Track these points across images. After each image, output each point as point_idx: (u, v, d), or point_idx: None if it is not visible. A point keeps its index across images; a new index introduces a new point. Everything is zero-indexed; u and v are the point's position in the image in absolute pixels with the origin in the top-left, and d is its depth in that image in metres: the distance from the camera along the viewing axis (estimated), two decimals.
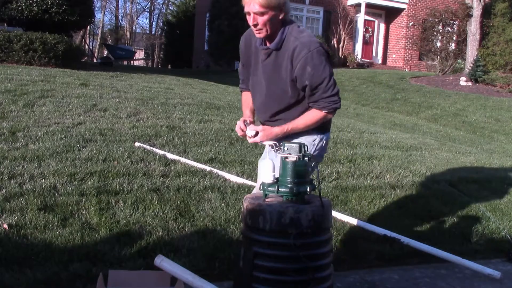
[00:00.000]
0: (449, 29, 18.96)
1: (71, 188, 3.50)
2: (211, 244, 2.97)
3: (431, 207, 4.20)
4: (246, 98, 2.55)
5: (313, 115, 2.27)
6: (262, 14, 2.15)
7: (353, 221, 3.54)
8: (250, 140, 2.29)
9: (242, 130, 2.33)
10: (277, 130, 2.26)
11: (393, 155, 5.73)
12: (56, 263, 2.58)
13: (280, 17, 2.20)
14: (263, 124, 2.38)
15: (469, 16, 16.51)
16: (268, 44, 2.26)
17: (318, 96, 2.22)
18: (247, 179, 4.16)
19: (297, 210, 1.96)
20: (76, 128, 4.94)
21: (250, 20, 2.20)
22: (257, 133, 2.26)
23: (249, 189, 3.91)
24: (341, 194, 4.20)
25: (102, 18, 39.73)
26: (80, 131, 4.85)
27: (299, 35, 2.22)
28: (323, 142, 2.39)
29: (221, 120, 6.12)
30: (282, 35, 2.22)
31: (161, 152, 4.54)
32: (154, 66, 37.29)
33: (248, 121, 2.39)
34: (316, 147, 2.35)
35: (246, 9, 2.18)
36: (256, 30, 2.20)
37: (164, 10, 42.55)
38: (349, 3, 20.80)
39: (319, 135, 2.36)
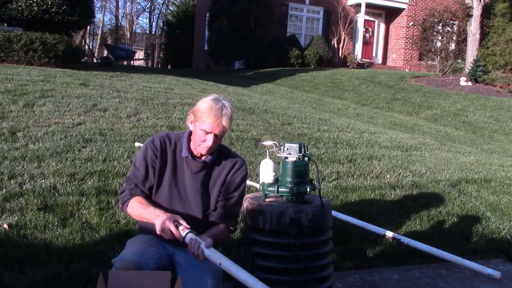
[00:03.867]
0: (449, 29, 18.96)
1: (71, 188, 3.50)
2: None
3: (431, 207, 4.20)
4: (143, 199, 2.13)
5: (227, 233, 2.21)
6: (221, 136, 2.11)
7: (353, 221, 3.53)
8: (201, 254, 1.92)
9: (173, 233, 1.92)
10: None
11: (393, 155, 5.73)
12: (56, 263, 2.58)
13: None
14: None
15: (469, 16, 16.51)
16: (202, 157, 2.17)
17: (235, 212, 2.19)
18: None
19: (297, 210, 1.96)
20: (76, 128, 4.93)
21: (208, 139, 2.06)
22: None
23: (249, 189, 3.91)
24: (341, 194, 4.20)
25: (102, 18, 39.74)
26: (80, 131, 4.85)
27: (230, 151, 2.26)
28: None
29: None
30: (216, 151, 2.20)
31: None
32: (154, 66, 37.27)
33: (179, 221, 1.96)
34: None
35: (208, 129, 2.04)
36: (207, 149, 2.09)
37: (164, 10, 42.59)
38: (349, 3, 20.80)
39: None
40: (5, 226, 2.90)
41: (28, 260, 2.59)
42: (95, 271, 2.51)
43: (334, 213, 3.53)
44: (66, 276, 2.47)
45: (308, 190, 2.04)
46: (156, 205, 2.13)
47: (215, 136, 2.06)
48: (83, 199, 3.38)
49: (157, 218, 1.95)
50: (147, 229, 2.21)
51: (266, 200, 2.07)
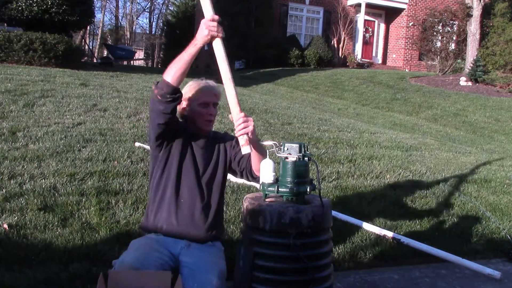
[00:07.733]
0: (449, 29, 18.96)
1: (71, 188, 3.50)
2: None
3: (431, 207, 4.20)
4: None
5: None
6: (217, 104, 2.34)
7: (353, 221, 3.53)
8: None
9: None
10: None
11: (393, 155, 5.73)
12: (56, 263, 2.58)
13: None
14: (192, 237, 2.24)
15: (469, 16, 16.51)
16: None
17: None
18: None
19: (297, 210, 1.96)
20: (76, 128, 4.94)
21: (211, 109, 2.29)
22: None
23: (249, 189, 3.92)
24: (341, 194, 4.20)
25: (102, 18, 39.69)
26: (80, 131, 4.85)
27: (226, 133, 2.54)
28: None
29: (221, 120, 6.12)
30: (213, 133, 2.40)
31: None
32: (154, 66, 37.25)
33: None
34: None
35: (206, 100, 2.28)
36: (210, 122, 2.32)
37: (164, 10, 42.59)
38: (349, 3, 20.80)
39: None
40: (5, 226, 2.90)
41: (28, 260, 2.59)
42: (95, 271, 2.51)
43: (334, 213, 3.53)
44: (66, 276, 2.47)
45: (308, 190, 2.04)
46: (167, 178, 2.23)
47: (214, 105, 2.32)
48: (83, 199, 3.38)
49: (197, 35, 2.20)
50: (150, 228, 2.21)
51: (266, 200, 2.07)
